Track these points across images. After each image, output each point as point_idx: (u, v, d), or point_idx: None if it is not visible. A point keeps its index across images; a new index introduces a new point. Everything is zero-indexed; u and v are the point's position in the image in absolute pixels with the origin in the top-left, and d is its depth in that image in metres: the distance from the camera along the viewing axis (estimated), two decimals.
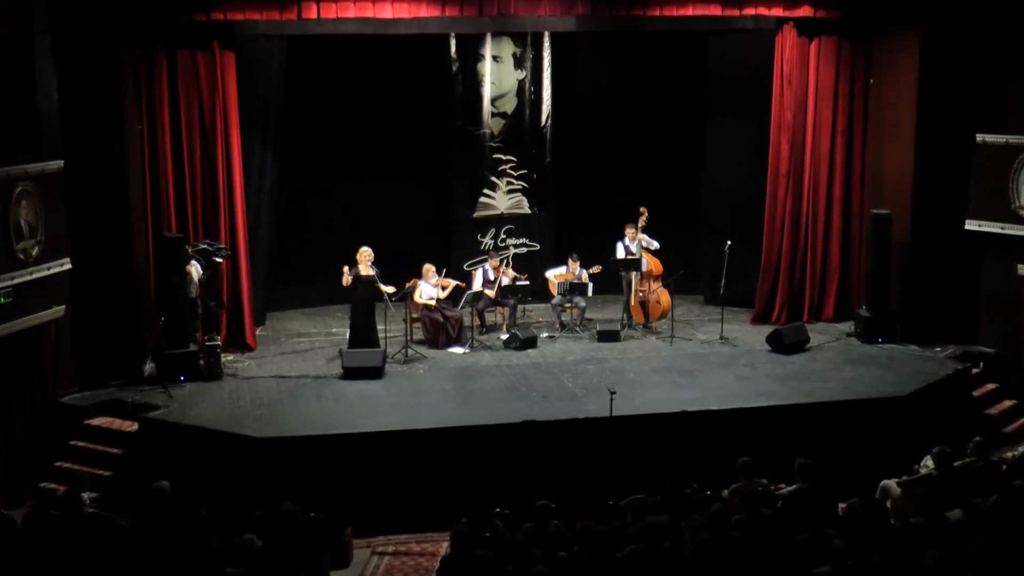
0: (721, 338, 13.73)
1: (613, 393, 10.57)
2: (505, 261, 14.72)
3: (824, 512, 8.44)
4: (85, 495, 9.26)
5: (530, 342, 13.48)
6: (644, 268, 14.08)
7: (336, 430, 10.72)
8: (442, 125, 15.24)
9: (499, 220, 15.57)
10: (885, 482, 9.48)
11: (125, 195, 12.09)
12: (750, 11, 13.67)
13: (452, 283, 13.68)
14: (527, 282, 14.36)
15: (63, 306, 11.56)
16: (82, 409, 11.55)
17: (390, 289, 12.74)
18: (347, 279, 12.64)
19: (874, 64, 14.14)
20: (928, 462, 9.70)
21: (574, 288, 14.00)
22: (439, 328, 13.43)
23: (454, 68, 15.02)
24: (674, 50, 15.27)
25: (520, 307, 14.54)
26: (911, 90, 13.43)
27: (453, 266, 15.12)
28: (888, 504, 9.07)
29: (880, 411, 11.55)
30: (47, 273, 11.31)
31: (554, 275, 14.50)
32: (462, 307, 13.66)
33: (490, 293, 13.86)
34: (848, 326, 14.15)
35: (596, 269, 14.16)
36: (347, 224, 15.13)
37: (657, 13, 13.40)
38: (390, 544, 10.18)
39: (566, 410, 11.16)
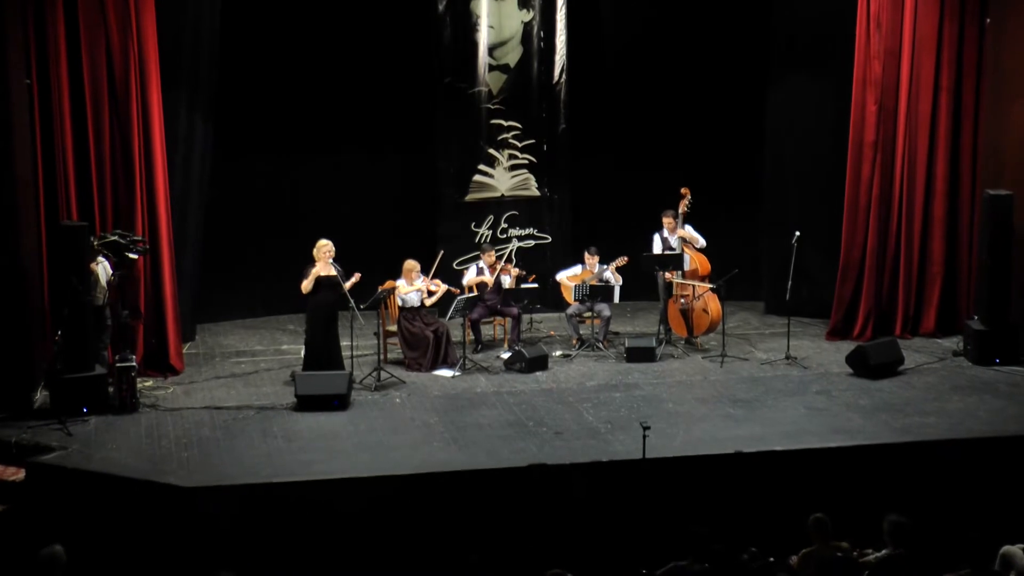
0: (787, 357, 13.76)
1: (647, 429, 10.52)
2: (506, 256, 14.66)
3: None
4: None
5: (539, 362, 13.50)
6: (687, 267, 14.11)
7: (287, 477, 10.71)
8: (425, 82, 15.28)
9: (499, 204, 15.70)
10: (1007, 548, 9.34)
11: (10, 172, 12.02)
12: None
13: (444, 287, 13.65)
14: (535, 284, 14.34)
15: None
16: None
17: (354, 279, 12.62)
18: (308, 284, 12.56)
19: None
20: None
21: (596, 292, 13.98)
22: (422, 344, 13.35)
23: (440, 7, 15.10)
24: None
25: (526, 317, 14.55)
26: None
27: (441, 264, 15.05)
28: None
29: (998, 454, 11.51)
30: None
31: (567, 277, 14.52)
32: (450, 317, 13.66)
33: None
34: (955, 342, 14.21)
35: (621, 261, 14.21)
36: (301, 212, 15.25)
37: None
38: None
39: (586, 451, 11.19)
